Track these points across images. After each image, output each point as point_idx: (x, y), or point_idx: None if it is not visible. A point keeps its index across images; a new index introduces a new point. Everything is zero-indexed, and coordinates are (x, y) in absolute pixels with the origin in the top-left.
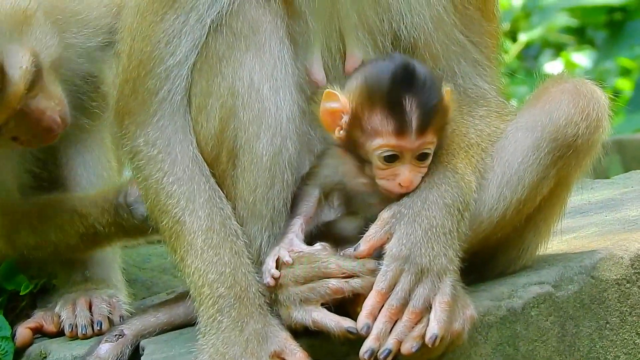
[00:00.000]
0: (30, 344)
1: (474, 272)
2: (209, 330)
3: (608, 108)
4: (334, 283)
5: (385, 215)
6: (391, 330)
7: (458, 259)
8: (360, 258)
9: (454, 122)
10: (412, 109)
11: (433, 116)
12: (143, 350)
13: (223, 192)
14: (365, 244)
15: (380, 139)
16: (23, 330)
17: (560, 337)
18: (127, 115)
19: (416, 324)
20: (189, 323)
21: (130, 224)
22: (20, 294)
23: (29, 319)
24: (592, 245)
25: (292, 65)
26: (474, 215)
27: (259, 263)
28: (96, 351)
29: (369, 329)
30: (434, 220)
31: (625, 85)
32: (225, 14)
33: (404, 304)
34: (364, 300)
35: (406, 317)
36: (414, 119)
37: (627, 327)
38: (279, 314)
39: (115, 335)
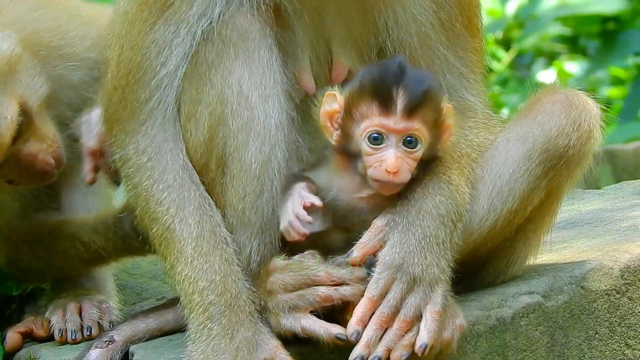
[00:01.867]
0: (19, 348)
1: (463, 282)
2: (199, 337)
3: (600, 119)
4: (323, 291)
5: (378, 223)
6: (381, 338)
7: (450, 269)
8: (352, 265)
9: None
10: (398, 93)
11: (420, 101)
12: (132, 356)
13: (212, 200)
14: (358, 251)
15: (367, 121)
16: (13, 335)
17: (550, 347)
18: (116, 123)
19: (406, 332)
20: (179, 329)
21: (138, 247)
22: (13, 294)
23: (19, 324)
24: (582, 255)
25: (280, 74)
26: (465, 226)
27: (249, 270)
28: (86, 357)
29: (358, 335)
30: (428, 230)
31: (617, 95)
32: (216, 24)
33: (395, 313)
34: (353, 308)
35: (397, 326)
36: (399, 101)
37: (616, 337)
38: (268, 321)
39: (105, 341)
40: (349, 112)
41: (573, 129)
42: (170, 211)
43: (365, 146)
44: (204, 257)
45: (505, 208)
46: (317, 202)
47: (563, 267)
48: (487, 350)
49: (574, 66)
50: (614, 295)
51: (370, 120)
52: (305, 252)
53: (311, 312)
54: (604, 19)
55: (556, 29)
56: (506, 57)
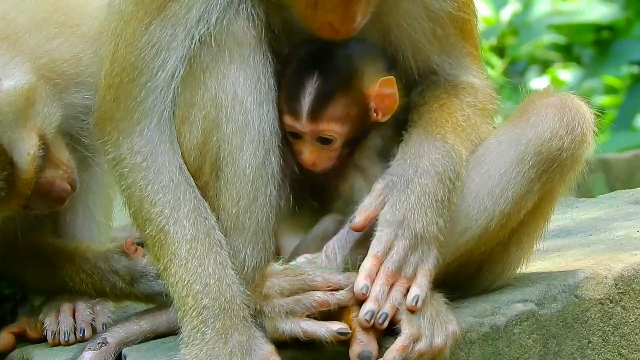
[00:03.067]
0: (12, 348)
1: (457, 288)
2: (192, 341)
3: (593, 123)
4: (319, 295)
5: (379, 186)
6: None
7: (446, 230)
8: (356, 230)
9: (440, 99)
10: (306, 93)
11: (328, 105)
12: (125, 358)
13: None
14: (360, 215)
15: (284, 117)
16: (6, 335)
17: (542, 355)
18: (110, 122)
19: (407, 288)
20: (172, 332)
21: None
22: (5, 292)
23: (12, 324)
24: (576, 264)
25: (275, 79)
26: (457, 228)
27: (243, 275)
28: (79, 359)
29: (367, 289)
30: (426, 187)
31: (610, 103)
32: (212, 29)
33: (399, 268)
34: (349, 313)
35: (400, 283)
36: (305, 105)
37: (609, 346)
38: (263, 325)
39: (99, 343)
40: (279, 96)
41: (567, 131)
42: (164, 212)
43: (288, 135)
44: (198, 260)
45: (498, 210)
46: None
47: (557, 275)
48: (479, 358)
49: (567, 74)
50: (608, 305)
51: (286, 118)
52: (300, 258)
53: (307, 316)
54: (598, 28)
55: (550, 37)
56: (500, 64)
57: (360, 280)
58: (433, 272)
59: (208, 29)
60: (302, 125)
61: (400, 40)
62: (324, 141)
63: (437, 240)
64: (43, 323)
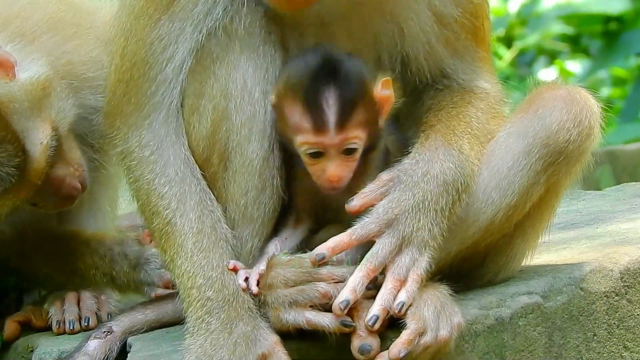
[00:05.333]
0: (17, 337)
1: (462, 280)
2: (197, 331)
3: (600, 117)
4: (323, 287)
5: (384, 176)
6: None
7: (442, 238)
8: (351, 213)
9: (457, 107)
10: (329, 105)
11: (353, 110)
12: (130, 348)
13: (214, 194)
14: (358, 200)
15: (302, 136)
16: (11, 324)
17: (547, 347)
18: (119, 116)
19: (397, 291)
20: (177, 321)
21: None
22: (9, 283)
23: (18, 313)
24: (582, 257)
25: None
26: (462, 220)
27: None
28: (84, 348)
29: (324, 258)
30: (430, 194)
31: (618, 95)
32: (220, 21)
33: (381, 264)
34: (353, 308)
35: (390, 285)
36: (331, 115)
37: (615, 339)
38: (267, 316)
39: (104, 331)
40: (281, 115)
41: (574, 124)
42: (171, 205)
43: (304, 157)
44: (204, 252)
45: (504, 202)
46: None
47: (562, 268)
48: (484, 350)
49: (575, 65)
50: (613, 297)
51: (305, 137)
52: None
53: (311, 307)
54: (607, 19)
55: (558, 28)
56: (508, 55)
57: (322, 248)
58: (425, 278)
59: (216, 21)
60: (331, 137)
61: (414, 44)
62: (349, 152)
63: (427, 246)
64: (48, 312)
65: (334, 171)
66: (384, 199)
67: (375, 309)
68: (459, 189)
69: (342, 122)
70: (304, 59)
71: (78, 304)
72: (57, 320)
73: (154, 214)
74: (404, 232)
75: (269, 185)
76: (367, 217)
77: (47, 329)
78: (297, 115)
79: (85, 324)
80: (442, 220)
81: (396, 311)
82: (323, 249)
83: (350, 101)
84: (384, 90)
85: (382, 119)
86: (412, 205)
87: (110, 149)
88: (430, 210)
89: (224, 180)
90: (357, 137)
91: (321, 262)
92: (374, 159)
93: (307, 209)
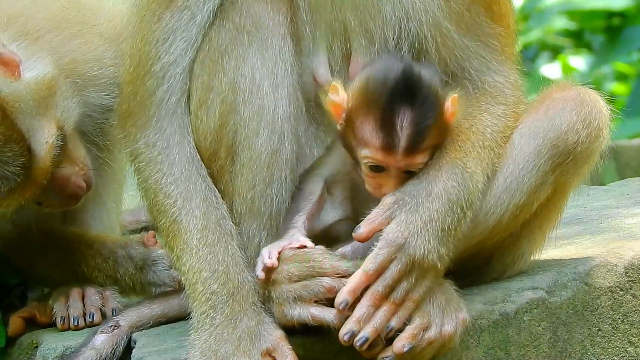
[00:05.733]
0: (22, 333)
1: (469, 277)
2: (202, 326)
3: (609, 118)
4: (327, 282)
5: (388, 200)
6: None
7: (449, 258)
8: (359, 240)
9: (471, 118)
10: (403, 128)
11: (424, 138)
12: (135, 343)
13: (220, 188)
14: (365, 227)
15: (368, 150)
16: (16, 320)
17: (552, 342)
18: (129, 118)
19: (393, 315)
20: (183, 315)
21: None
22: (12, 282)
23: (22, 309)
24: (586, 252)
25: (292, 63)
26: (474, 214)
27: (256, 260)
28: (92, 342)
29: (346, 305)
30: (436, 214)
31: (621, 90)
32: (219, 11)
33: (390, 292)
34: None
35: (386, 307)
36: (402, 139)
37: (619, 334)
38: (271, 311)
39: (111, 326)
40: (351, 122)
41: (583, 125)
42: (177, 203)
43: (365, 168)
44: (209, 247)
45: (513, 203)
46: (309, 243)
47: (567, 263)
48: (489, 345)
49: (578, 60)
50: (618, 293)
51: (372, 152)
52: (314, 247)
53: (315, 303)
54: (610, 14)
55: (561, 23)
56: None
57: (342, 295)
58: (420, 301)
59: (213, 9)
60: (397, 160)
61: (420, 24)
62: (410, 173)
63: (435, 269)
64: (52, 308)
65: (390, 189)
66: (390, 222)
67: (367, 330)
68: (463, 206)
69: (412, 148)
70: (384, 68)
71: (82, 300)
72: (62, 317)
73: (160, 213)
74: (415, 256)
75: (277, 180)
76: (377, 245)
77: (51, 325)
78: (368, 130)
79: (90, 320)
80: (448, 239)
81: (385, 334)
82: (345, 295)
83: (424, 128)
84: (454, 106)
85: (449, 131)
86: (420, 227)
87: (122, 149)
88: (438, 230)
89: (231, 174)
90: (421, 163)
91: (345, 309)
92: None
93: (343, 198)
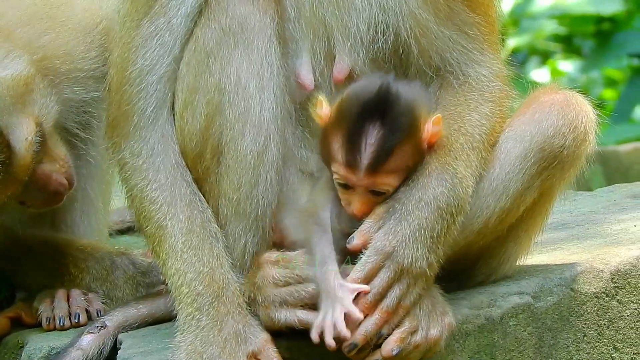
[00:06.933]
0: (7, 332)
1: (454, 280)
2: (188, 328)
3: (596, 123)
4: (313, 287)
5: (380, 210)
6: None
7: (438, 264)
8: (353, 252)
9: (460, 118)
10: (367, 145)
11: (390, 158)
12: (120, 345)
13: (206, 189)
14: (359, 238)
15: (335, 166)
16: (2, 319)
17: (538, 348)
18: (115, 128)
19: (385, 323)
20: (170, 317)
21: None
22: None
23: (8, 309)
24: (572, 257)
25: (278, 65)
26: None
27: (243, 263)
28: (78, 342)
29: None
30: (425, 221)
31: (610, 96)
32: (204, 11)
33: (379, 300)
34: None
35: (377, 316)
36: (365, 157)
37: (605, 340)
38: (257, 313)
39: (97, 326)
40: (325, 136)
41: (569, 129)
42: (162, 209)
43: (336, 184)
44: (194, 250)
45: (499, 206)
46: (357, 315)
47: (553, 268)
48: (475, 350)
49: (568, 65)
50: (604, 298)
51: (338, 167)
52: (298, 251)
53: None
54: (600, 19)
55: (551, 28)
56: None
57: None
58: (411, 308)
59: (188, 15)
60: (359, 179)
61: (400, 22)
62: (377, 194)
63: (424, 276)
64: (38, 309)
65: (358, 208)
66: (378, 232)
67: (357, 337)
68: (452, 212)
69: (375, 167)
70: (363, 85)
71: (68, 300)
72: (47, 317)
73: (146, 220)
74: (403, 264)
75: (263, 181)
76: (366, 253)
77: (37, 325)
78: (336, 145)
79: (76, 321)
80: (437, 246)
81: (374, 340)
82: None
83: (390, 147)
84: (434, 127)
85: (427, 154)
86: (408, 235)
87: (109, 159)
88: (426, 238)
89: (217, 175)
90: (387, 184)
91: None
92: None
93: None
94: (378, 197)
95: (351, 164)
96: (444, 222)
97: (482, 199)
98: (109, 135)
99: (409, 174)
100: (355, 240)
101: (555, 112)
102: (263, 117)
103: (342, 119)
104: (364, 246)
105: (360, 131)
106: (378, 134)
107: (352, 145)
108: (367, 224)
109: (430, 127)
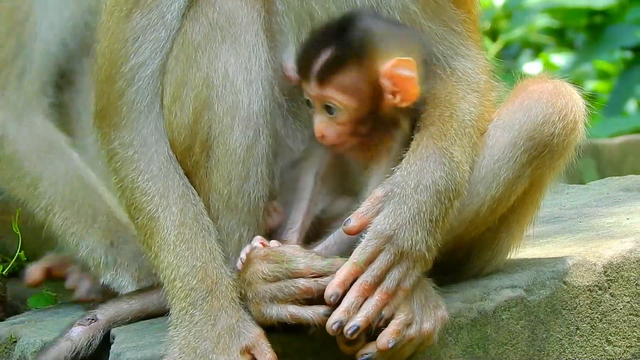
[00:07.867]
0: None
1: (447, 274)
2: (181, 322)
3: (584, 111)
4: (303, 282)
5: (378, 193)
6: (360, 306)
7: (436, 249)
8: (349, 234)
9: (451, 105)
10: (319, 57)
11: (337, 70)
12: (113, 339)
13: (196, 183)
14: (356, 220)
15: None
16: (37, 270)
17: (530, 341)
18: (104, 118)
19: (385, 304)
20: (162, 311)
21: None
22: None
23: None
24: (565, 251)
25: (266, 59)
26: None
27: (237, 257)
28: (68, 333)
29: (337, 297)
30: (424, 205)
31: (602, 88)
32: (193, 5)
33: (378, 283)
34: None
35: (377, 297)
36: (315, 67)
37: (597, 333)
38: (249, 309)
39: (88, 319)
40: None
41: (559, 117)
42: (154, 200)
43: (307, 105)
44: (186, 244)
45: (489, 195)
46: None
47: (546, 261)
48: (468, 343)
49: (560, 58)
50: (596, 292)
51: (300, 81)
52: (286, 245)
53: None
54: (592, 12)
55: (544, 21)
56: (493, 47)
57: (331, 288)
58: (411, 291)
59: (180, 10)
60: (311, 88)
61: (394, 15)
62: (329, 110)
63: (424, 259)
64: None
65: (317, 125)
66: (378, 216)
67: (358, 319)
68: (450, 197)
69: (322, 76)
70: (333, 19)
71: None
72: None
73: (138, 211)
74: (403, 247)
75: (254, 175)
76: (365, 236)
77: (29, 318)
78: (297, 57)
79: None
80: (436, 230)
81: (376, 323)
82: (334, 287)
83: (338, 60)
84: (400, 69)
85: (400, 99)
86: (408, 219)
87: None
88: (425, 222)
89: (207, 170)
90: (336, 99)
91: (336, 302)
92: (394, 137)
93: (328, 177)
94: (333, 116)
95: (304, 73)
96: (443, 206)
97: (472, 186)
98: (97, 125)
99: (371, 107)
100: (352, 222)
101: (544, 100)
102: (252, 110)
103: (309, 35)
104: (360, 229)
105: (315, 46)
106: (329, 47)
107: (308, 54)
108: (364, 207)
109: (395, 65)
